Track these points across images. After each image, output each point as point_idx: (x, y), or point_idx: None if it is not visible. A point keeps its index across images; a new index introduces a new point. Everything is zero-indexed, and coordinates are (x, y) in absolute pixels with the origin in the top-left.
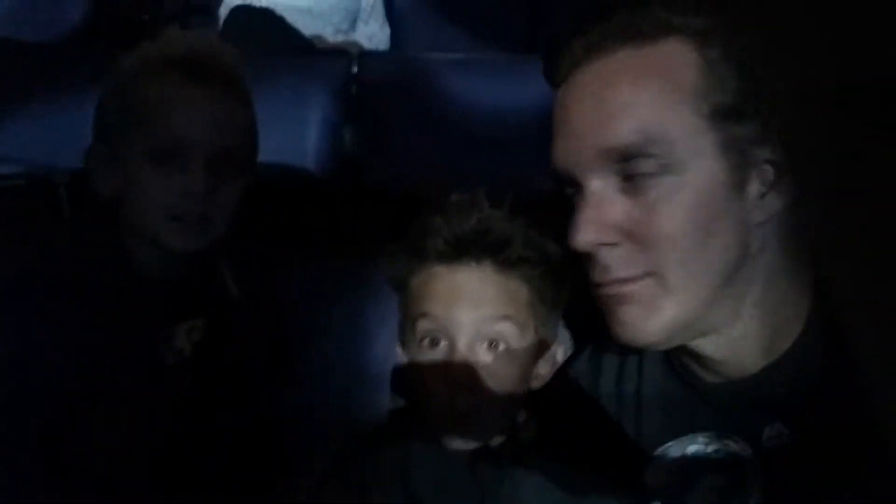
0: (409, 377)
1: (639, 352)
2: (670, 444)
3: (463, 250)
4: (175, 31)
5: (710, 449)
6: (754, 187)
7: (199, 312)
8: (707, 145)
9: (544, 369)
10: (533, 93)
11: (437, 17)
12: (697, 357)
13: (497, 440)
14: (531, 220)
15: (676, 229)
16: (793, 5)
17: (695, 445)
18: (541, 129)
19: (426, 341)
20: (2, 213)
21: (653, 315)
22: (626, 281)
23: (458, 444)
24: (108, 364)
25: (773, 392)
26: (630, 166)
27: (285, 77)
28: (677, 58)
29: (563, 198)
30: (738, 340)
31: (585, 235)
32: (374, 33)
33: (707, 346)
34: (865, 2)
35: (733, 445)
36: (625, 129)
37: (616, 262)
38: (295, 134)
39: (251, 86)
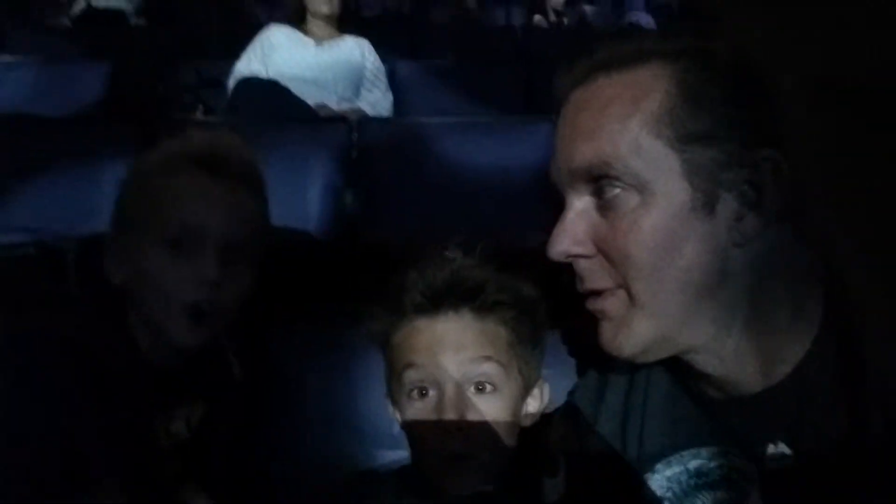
0: (401, 426)
1: (648, 365)
2: (673, 457)
3: (440, 301)
4: (197, 129)
5: (712, 464)
6: (728, 209)
7: (200, 395)
8: (672, 168)
9: (533, 407)
10: (526, 152)
11: (438, 82)
12: (698, 373)
13: (490, 485)
14: (502, 266)
15: (639, 248)
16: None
17: (698, 460)
18: (533, 186)
19: (414, 392)
20: (12, 280)
21: (624, 330)
22: (599, 293)
23: (456, 489)
24: (103, 444)
25: (776, 413)
26: (601, 185)
27: (289, 144)
28: (648, 83)
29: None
30: (733, 358)
31: (557, 246)
32: (377, 100)
33: (701, 361)
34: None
35: (736, 461)
36: (586, 153)
37: (589, 274)
38: (298, 197)
39: (258, 155)
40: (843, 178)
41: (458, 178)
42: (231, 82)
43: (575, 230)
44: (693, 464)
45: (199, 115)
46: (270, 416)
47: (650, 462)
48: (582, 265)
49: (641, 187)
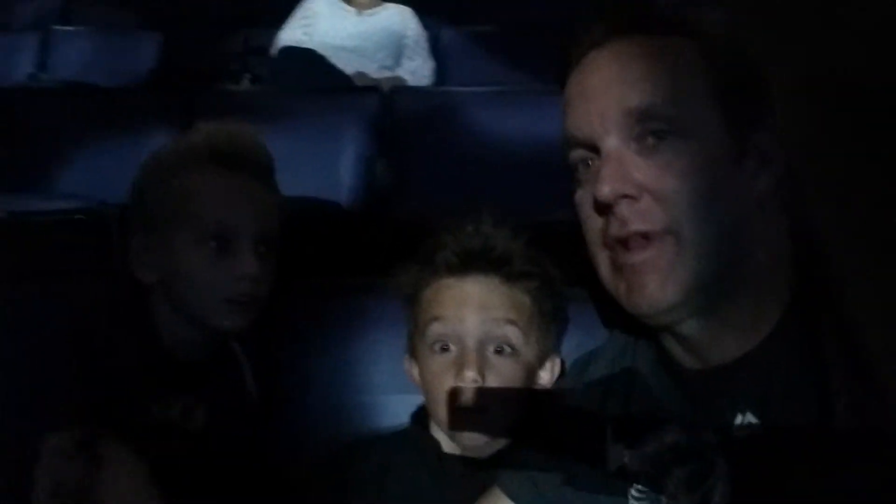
0: (421, 382)
1: (634, 341)
2: (650, 433)
3: (470, 264)
4: (210, 123)
5: (687, 439)
6: (750, 164)
7: (206, 396)
8: (712, 117)
9: (545, 379)
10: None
11: (482, 51)
12: (682, 340)
13: (498, 444)
14: (530, 241)
15: (691, 186)
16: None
17: (671, 435)
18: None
19: (437, 346)
20: (60, 244)
21: (672, 275)
22: (645, 235)
23: (468, 442)
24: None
25: (746, 382)
26: (646, 128)
27: (322, 112)
28: (681, 48)
29: (568, 168)
30: (723, 322)
31: (609, 187)
32: (417, 69)
33: (694, 326)
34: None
35: (708, 433)
36: (647, 93)
37: (635, 215)
38: (330, 166)
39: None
40: (831, 166)
41: (492, 150)
42: (273, 50)
43: (622, 171)
44: (669, 439)
45: (245, 83)
46: (277, 419)
47: (631, 436)
48: (627, 207)
49: (687, 131)
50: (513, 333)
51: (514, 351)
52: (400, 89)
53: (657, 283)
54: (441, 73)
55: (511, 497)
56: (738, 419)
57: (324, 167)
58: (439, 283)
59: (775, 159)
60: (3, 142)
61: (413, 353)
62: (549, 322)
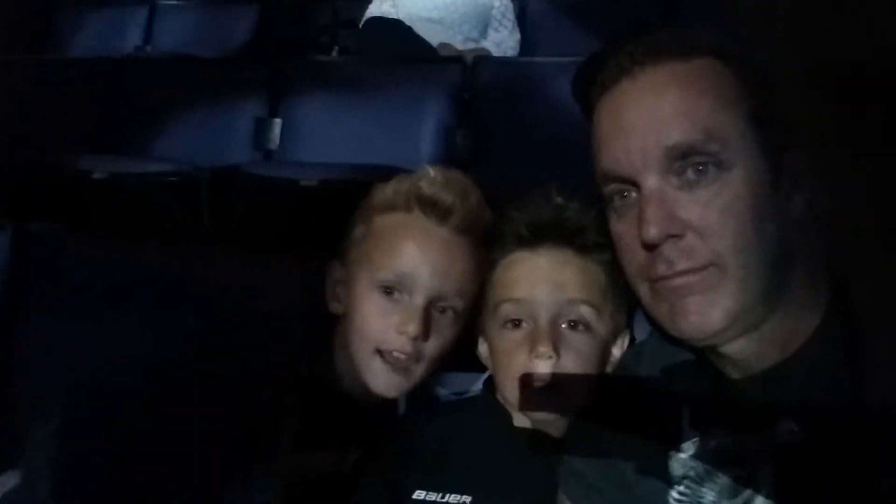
0: (492, 359)
1: (675, 351)
2: (693, 439)
3: (542, 236)
4: (434, 168)
5: (730, 444)
6: (784, 186)
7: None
8: (750, 146)
9: (616, 354)
10: None
11: (570, 22)
12: (723, 356)
13: (565, 420)
14: (601, 212)
15: (734, 219)
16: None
17: (714, 440)
18: None
19: (509, 324)
20: (155, 205)
21: (716, 303)
22: (689, 272)
23: (535, 416)
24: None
25: (786, 389)
26: (686, 163)
27: (404, 83)
28: (714, 71)
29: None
30: (762, 338)
31: (657, 229)
32: (503, 40)
33: (735, 346)
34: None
35: (750, 439)
36: (687, 129)
37: (679, 254)
38: (410, 137)
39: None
40: (837, 160)
41: (569, 122)
42: (362, 23)
43: (667, 210)
44: (713, 444)
45: (334, 55)
46: None
47: (674, 441)
48: (672, 246)
49: (727, 163)
50: (587, 312)
51: (588, 327)
52: (482, 59)
53: (701, 305)
54: (527, 45)
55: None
56: (780, 425)
57: (405, 136)
58: (510, 259)
59: (806, 177)
60: (109, 109)
61: (483, 327)
62: (622, 297)
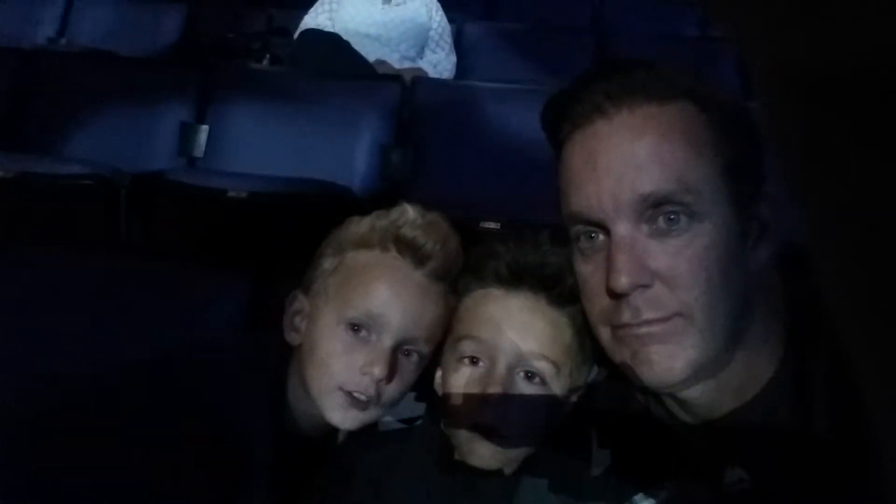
0: (443, 389)
1: (627, 396)
2: (641, 494)
3: (521, 277)
4: (412, 210)
5: (680, 494)
6: (752, 236)
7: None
8: (722, 197)
9: (569, 407)
10: None
11: (506, 47)
12: (681, 401)
13: (511, 467)
14: None
15: (703, 270)
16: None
17: (664, 492)
18: None
19: (466, 360)
20: (67, 210)
21: (679, 353)
22: (654, 321)
23: (477, 461)
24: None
25: (737, 435)
26: (659, 212)
27: (341, 98)
28: (690, 116)
29: (567, 239)
30: (720, 384)
31: (627, 278)
32: (439, 61)
33: (693, 392)
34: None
35: (700, 488)
36: (662, 178)
37: (646, 304)
38: (344, 153)
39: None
40: (818, 169)
41: (507, 146)
42: (297, 32)
43: (636, 259)
44: (663, 496)
45: (265, 63)
46: None
47: (626, 494)
48: (639, 295)
49: (699, 214)
50: (546, 368)
51: (544, 382)
52: (421, 80)
53: (666, 354)
54: (463, 68)
55: None
56: (728, 474)
57: (339, 152)
58: (484, 293)
59: (773, 227)
60: (18, 103)
61: (441, 358)
62: (585, 359)
